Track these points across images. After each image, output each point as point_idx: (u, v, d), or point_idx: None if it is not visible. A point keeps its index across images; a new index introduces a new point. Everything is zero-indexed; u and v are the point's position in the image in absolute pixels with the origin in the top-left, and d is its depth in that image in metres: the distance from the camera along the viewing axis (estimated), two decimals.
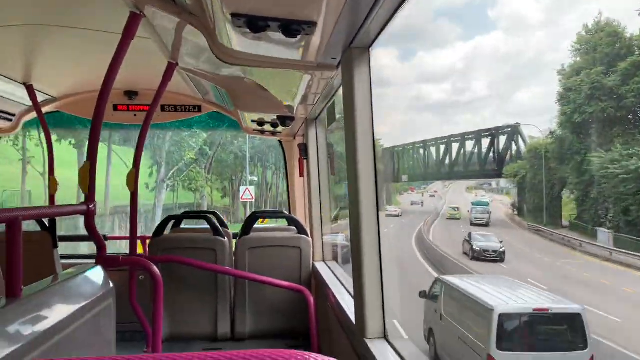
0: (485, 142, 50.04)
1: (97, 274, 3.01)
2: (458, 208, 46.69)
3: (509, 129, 47.75)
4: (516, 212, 47.23)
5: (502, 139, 48.20)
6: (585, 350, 10.09)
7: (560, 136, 37.64)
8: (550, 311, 10.84)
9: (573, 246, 30.38)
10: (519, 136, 46.42)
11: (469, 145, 50.77)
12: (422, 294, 14.42)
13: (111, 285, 3.02)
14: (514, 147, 47.26)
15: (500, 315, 10.48)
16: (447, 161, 52.49)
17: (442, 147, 53.20)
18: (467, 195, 64.35)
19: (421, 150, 53.24)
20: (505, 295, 11.96)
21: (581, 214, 34.37)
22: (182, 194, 47.15)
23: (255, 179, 49.83)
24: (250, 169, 49.06)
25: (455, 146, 51.82)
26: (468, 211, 43.59)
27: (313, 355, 0.71)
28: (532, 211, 41.33)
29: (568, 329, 10.63)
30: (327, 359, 0.73)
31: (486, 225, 40.04)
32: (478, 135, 50.87)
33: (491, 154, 48.15)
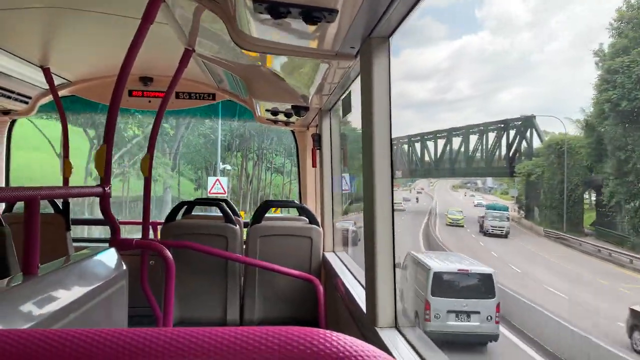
0: (492, 137, 45.70)
1: (110, 256, 3.04)
2: (461, 211, 42.23)
3: (522, 122, 43.85)
4: (523, 215, 43.73)
5: (513, 133, 43.98)
6: (493, 299, 14.70)
7: (598, 128, 31.45)
8: (470, 271, 15.50)
9: (620, 262, 24.24)
10: (534, 130, 42.68)
11: (473, 139, 46.74)
12: (397, 265, 17.85)
13: (124, 267, 3.05)
14: (526, 142, 43.37)
15: (435, 273, 15.02)
16: (446, 156, 48.52)
17: (442, 142, 48.89)
18: (456, 195, 62.41)
19: (417, 145, 49.26)
20: (444, 262, 16.67)
21: (613, 221, 29.46)
22: (136, 184, 38.33)
23: (231, 168, 44.32)
24: (228, 157, 44.28)
25: (456, 141, 47.93)
26: (459, 217, 39.58)
27: (329, 332, 0.72)
28: (547, 215, 37.42)
29: (482, 284, 15.12)
30: (347, 336, 0.73)
31: (505, 236, 34.99)
32: (484, 129, 46.85)
33: (498, 150, 44.47)
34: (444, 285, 15.12)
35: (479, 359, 15.06)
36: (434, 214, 44.67)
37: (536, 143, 42.32)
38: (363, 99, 2.87)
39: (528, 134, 43.38)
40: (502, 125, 45.48)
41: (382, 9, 2.28)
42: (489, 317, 14.55)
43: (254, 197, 45.39)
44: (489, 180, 62.63)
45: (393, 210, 2.85)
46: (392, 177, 2.84)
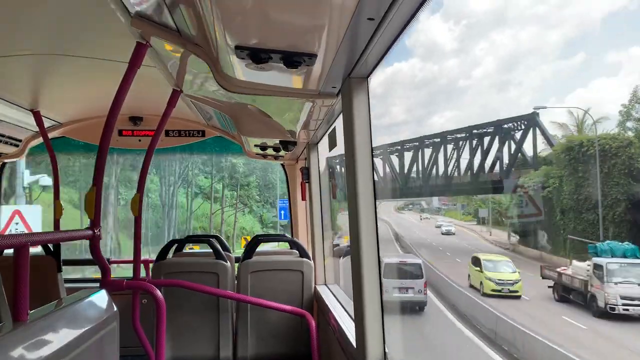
0: (479, 144, 39.94)
1: (101, 298, 3.05)
2: (513, 269, 29.47)
3: (519, 123, 36.66)
4: (517, 239, 37.54)
5: (509, 137, 37.64)
6: (422, 279, 23.95)
7: None
8: (407, 262, 25.34)
9: None
10: (537, 131, 35.03)
11: (454, 148, 42.33)
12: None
13: (115, 309, 3.06)
14: (526, 146, 35.84)
15: (385, 263, 23.32)
16: (413, 172, 44.74)
17: (411, 154, 45.03)
18: (407, 217, 60.50)
19: (379, 159, 44.87)
20: (392, 258, 25.84)
21: None
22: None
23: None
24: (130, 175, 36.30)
25: (428, 151, 43.80)
26: (512, 277, 28.19)
27: None
28: (568, 240, 27.75)
29: (415, 270, 24.14)
30: None
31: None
32: (468, 136, 40.68)
33: (489, 159, 38.65)
34: (391, 271, 23.68)
35: (418, 315, 24.00)
36: (404, 242, 43.35)
37: (542, 146, 35.50)
38: (345, 134, 2.95)
39: (530, 136, 36.23)
40: (491, 130, 39.82)
41: (358, 53, 2.38)
42: (420, 291, 23.73)
43: (170, 232, 39.01)
44: (435, 200, 61.36)
45: (378, 244, 2.90)
46: (376, 210, 2.90)
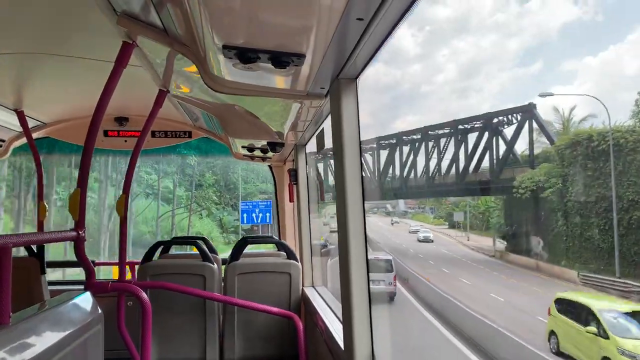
0: (462, 140, 38.01)
1: (85, 301, 3.00)
2: None
3: (515, 115, 33.73)
4: (505, 246, 35.11)
5: (503, 133, 34.98)
6: (392, 273, 26.01)
7: None
8: (379, 258, 26.92)
9: None
10: (533, 125, 32.12)
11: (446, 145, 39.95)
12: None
13: (99, 311, 3.02)
14: (521, 142, 33.13)
15: None
16: (390, 172, 43.06)
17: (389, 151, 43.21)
18: (374, 221, 58.49)
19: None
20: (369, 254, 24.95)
21: None
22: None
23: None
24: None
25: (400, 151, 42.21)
26: None
27: None
28: (574, 248, 24.33)
29: (386, 265, 26.03)
30: None
31: None
32: (452, 131, 38.61)
33: (477, 158, 36.62)
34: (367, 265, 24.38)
35: (389, 304, 25.46)
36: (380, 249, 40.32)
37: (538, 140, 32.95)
38: (334, 136, 2.94)
39: (526, 130, 33.31)
40: (480, 124, 37.14)
41: (347, 53, 2.37)
42: (390, 283, 25.87)
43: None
44: (402, 203, 60.75)
45: (366, 244, 2.89)
46: (364, 213, 2.89)
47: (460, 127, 39.87)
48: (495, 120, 36.24)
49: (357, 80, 2.79)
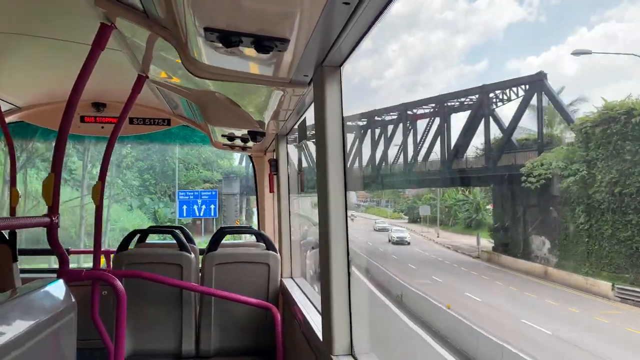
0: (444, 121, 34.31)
1: (58, 288, 2.92)
2: None
3: (518, 88, 29.27)
4: (493, 245, 31.38)
5: (500, 111, 31.05)
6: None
7: None
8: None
9: None
10: (542, 99, 27.18)
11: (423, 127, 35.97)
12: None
13: (73, 299, 2.94)
14: (528, 119, 28.67)
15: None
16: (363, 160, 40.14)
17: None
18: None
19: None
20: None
21: None
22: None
23: None
24: None
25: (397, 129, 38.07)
26: None
27: None
28: (605, 252, 18.74)
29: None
30: None
31: None
32: (438, 109, 34.50)
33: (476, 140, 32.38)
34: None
35: None
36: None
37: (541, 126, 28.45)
38: (317, 125, 2.89)
39: (534, 104, 28.17)
40: (471, 101, 32.48)
41: (332, 39, 2.33)
42: None
43: None
44: (353, 196, 55.81)
45: (347, 236, 2.86)
46: (346, 204, 2.86)
47: (448, 104, 35.45)
48: (492, 94, 31.44)
49: (342, 68, 2.75)
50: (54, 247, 3.35)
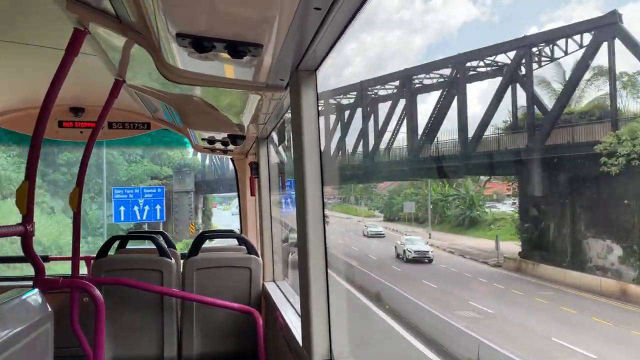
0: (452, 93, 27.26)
1: (33, 298, 2.88)
2: None
3: (585, 33, 21.31)
4: (529, 254, 22.82)
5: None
6: None
7: None
8: None
9: None
10: (614, 45, 19.22)
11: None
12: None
13: (49, 309, 2.90)
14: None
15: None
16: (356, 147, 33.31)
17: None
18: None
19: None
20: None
21: None
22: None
23: None
24: None
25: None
26: None
27: None
28: None
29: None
30: None
31: None
32: (455, 74, 27.56)
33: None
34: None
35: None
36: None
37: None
38: (293, 128, 2.89)
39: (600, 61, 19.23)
40: (495, 65, 24.47)
41: (306, 44, 2.32)
42: None
43: None
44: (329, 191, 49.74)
45: (325, 240, 2.86)
46: (323, 206, 2.86)
47: (465, 69, 27.61)
48: (536, 49, 24.06)
49: (317, 72, 2.76)
50: (29, 256, 3.30)
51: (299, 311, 4.03)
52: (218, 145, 5.58)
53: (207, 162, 44.21)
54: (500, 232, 35.45)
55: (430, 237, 40.03)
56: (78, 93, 5.10)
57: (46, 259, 3.68)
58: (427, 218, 47.26)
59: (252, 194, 6.22)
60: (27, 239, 3.15)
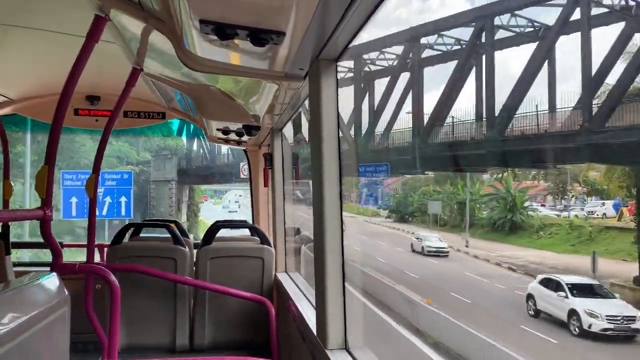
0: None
1: (51, 282, 2.91)
2: None
3: None
4: None
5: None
6: None
7: None
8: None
9: None
10: None
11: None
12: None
13: (66, 293, 2.93)
14: None
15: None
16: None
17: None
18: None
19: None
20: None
21: None
22: None
23: None
24: None
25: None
26: None
27: None
28: None
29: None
30: None
31: None
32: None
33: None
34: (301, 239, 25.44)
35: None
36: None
37: None
38: (311, 119, 2.89)
39: None
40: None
41: (328, 33, 2.32)
42: None
43: None
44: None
45: (342, 229, 2.86)
46: (341, 197, 2.86)
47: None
48: None
49: (337, 62, 2.74)
50: (47, 241, 3.33)
51: (313, 302, 4.05)
52: (232, 136, 5.59)
53: (194, 146, 36.46)
54: (554, 240, 31.45)
55: (467, 246, 34.66)
56: (94, 81, 5.12)
57: (61, 245, 3.71)
58: (445, 221, 40.64)
59: (266, 185, 6.24)
60: (45, 223, 3.19)
